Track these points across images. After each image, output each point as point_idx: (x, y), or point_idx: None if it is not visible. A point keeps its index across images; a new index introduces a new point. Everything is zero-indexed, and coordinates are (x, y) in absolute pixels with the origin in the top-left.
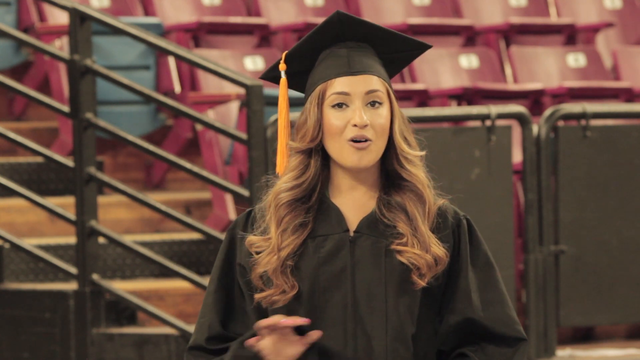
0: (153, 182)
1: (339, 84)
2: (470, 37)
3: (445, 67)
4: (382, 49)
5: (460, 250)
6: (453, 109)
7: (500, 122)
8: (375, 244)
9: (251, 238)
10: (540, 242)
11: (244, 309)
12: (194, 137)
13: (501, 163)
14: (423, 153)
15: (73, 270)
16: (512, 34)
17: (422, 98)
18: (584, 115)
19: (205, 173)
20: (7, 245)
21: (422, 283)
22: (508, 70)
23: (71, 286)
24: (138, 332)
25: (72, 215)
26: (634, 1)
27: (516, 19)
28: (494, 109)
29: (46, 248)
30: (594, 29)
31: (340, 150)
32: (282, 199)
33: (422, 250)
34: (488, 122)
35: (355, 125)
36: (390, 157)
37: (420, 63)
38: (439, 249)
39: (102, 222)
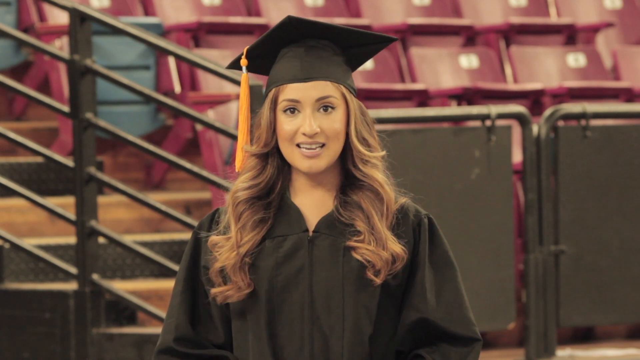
0: (153, 182)
1: (291, 90)
2: (470, 37)
3: (445, 67)
4: (345, 44)
5: (419, 249)
6: (453, 109)
7: (500, 122)
8: (333, 244)
9: (213, 238)
10: (540, 242)
11: (209, 313)
12: (194, 137)
13: (501, 163)
14: (382, 154)
15: (73, 270)
16: (512, 34)
17: (422, 98)
18: (584, 115)
19: (205, 173)
20: (7, 245)
21: (377, 280)
22: (508, 70)
23: (71, 286)
24: (138, 332)
25: (72, 215)
26: (634, 1)
27: (516, 19)
28: (494, 109)
29: (46, 248)
30: (594, 29)
31: (291, 155)
32: (240, 197)
33: (378, 247)
34: (488, 122)
35: (304, 134)
36: (347, 158)
37: (420, 63)
38: (396, 245)
39: (102, 222)
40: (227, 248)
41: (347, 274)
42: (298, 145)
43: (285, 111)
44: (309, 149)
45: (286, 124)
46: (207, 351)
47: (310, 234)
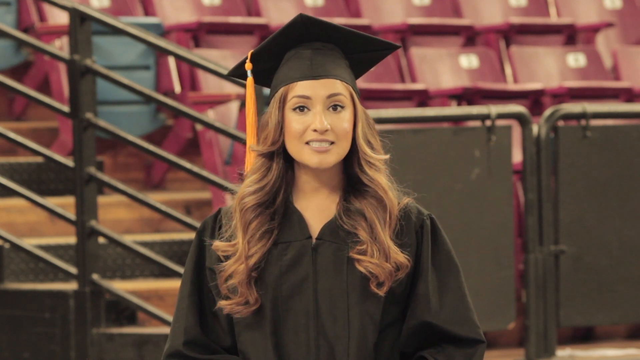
0: (153, 182)
1: (301, 87)
2: (470, 37)
3: (445, 67)
4: (349, 49)
5: (422, 252)
6: (453, 109)
7: (500, 122)
8: (337, 252)
9: (217, 244)
10: (540, 242)
11: (216, 314)
12: (194, 137)
13: (501, 163)
14: (386, 157)
15: (73, 270)
16: (512, 34)
17: (422, 98)
18: (584, 115)
19: (205, 173)
20: (7, 245)
21: (380, 293)
22: (508, 70)
23: (71, 286)
24: (138, 332)
25: (72, 215)
26: (634, 1)
27: (516, 19)
28: (494, 109)
29: (46, 248)
30: (594, 29)
31: (300, 152)
32: (247, 204)
33: (381, 258)
34: (488, 122)
35: (315, 130)
36: (352, 160)
37: (420, 63)
38: (399, 255)
39: (102, 222)
40: (234, 259)
41: (351, 284)
42: (307, 143)
43: (294, 109)
44: (319, 145)
45: (295, 122)
46: (217, 357)
47: (314, 240)
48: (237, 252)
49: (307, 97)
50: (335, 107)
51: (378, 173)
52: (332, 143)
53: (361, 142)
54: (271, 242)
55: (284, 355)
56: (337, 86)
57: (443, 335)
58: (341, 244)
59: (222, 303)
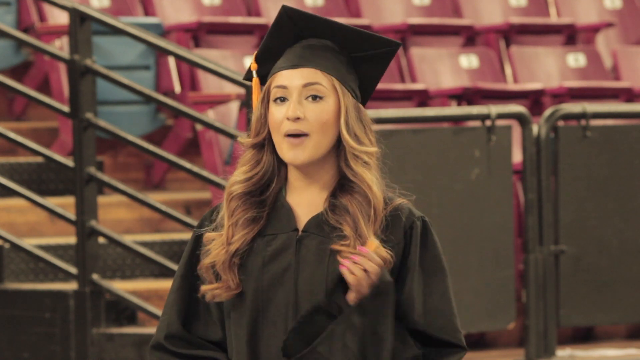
0: (153, 182)
1: (280, 77)
2: (470, 37)
3: (445, 67)
4: (347, 47)
5: (410, 252)
6: (453, 109)
7: (500, 122)
8: (320, 244)
9: (208, 235)
10: (540, 242)
11: (208, 307)
12: (194, 137)
13: (501, 163)
14: (374, 149)
15: (73, 270)
16: (512, 34)
17: (422, 98)
18: (584, 115)
19: (205, 173)
20: (7, 245)
21: None
22: (508, 70)
23: (71, 286)
24: (138, 332)
25: (72, 215)
26: (634, 1)
27: (516, 19)
28: (494, 109)
29: (46, 248)
30: (594, 29)
31: (279, 145)
32: (234, 191)
33: None
34: (488, 122)
35: (288, 119)
36: (340, 154)
37: (420, 63)
38: (381, 249)
39: (102, 222)
40: (217, 243)
41: (331, 276)
42: (286, 137)
43: (275, 100)
44: (293, 136)
45: (275, 112)
46: (198, 351)
47: (300, 233)
48: (221, 237)
49: (284, 87)
50: (314, 98)
51: (365, 167)
52: (307, 136)
53: (344, 133)
54: (255, 232)
55: (260, 345)
56: (315, 76)
57: (425, 337)
58: (325, 238)
59: (204, 288)
